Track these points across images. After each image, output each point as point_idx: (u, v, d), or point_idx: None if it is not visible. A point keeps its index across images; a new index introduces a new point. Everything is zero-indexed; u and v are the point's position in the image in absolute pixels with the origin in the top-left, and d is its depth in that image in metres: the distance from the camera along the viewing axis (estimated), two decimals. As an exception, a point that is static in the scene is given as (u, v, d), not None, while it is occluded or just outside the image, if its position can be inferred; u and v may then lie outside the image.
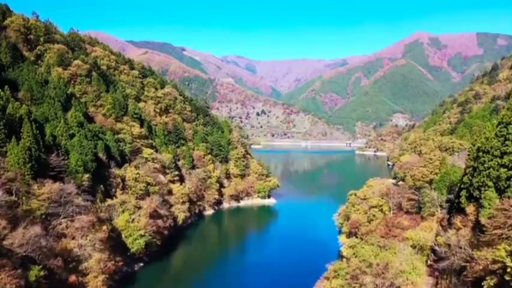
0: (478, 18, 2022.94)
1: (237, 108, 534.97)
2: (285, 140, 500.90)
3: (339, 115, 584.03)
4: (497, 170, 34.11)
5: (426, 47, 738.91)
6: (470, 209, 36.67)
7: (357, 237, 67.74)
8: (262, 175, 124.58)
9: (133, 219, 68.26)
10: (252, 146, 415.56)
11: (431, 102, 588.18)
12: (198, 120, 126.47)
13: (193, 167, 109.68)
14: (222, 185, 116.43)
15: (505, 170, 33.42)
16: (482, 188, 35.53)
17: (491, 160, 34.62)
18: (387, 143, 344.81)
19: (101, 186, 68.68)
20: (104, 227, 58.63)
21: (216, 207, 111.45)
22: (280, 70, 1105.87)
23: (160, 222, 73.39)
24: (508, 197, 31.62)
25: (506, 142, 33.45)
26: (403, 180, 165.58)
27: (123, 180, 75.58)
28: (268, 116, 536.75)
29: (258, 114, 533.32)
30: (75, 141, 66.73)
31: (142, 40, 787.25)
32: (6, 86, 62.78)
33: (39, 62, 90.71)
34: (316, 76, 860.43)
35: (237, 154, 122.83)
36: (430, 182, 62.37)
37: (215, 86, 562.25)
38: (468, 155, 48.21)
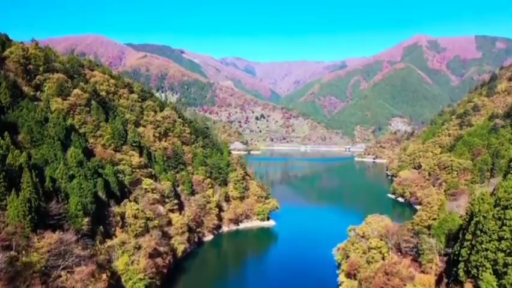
0: (476, 21, 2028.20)
1: (236, 112, 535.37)
2: (284, 145, 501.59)
3: (338, 119, 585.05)
4: (495, 253, 34.40)
5: (425, 50, 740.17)
6: (468, 286, 37.00)
7: (356, 279, 68.28)
8: (262, 197, 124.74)
9: (133, 261, 68.41)
10: (251, 152, 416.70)
11: (430, 106, 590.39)
12: (197, 142, 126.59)
13: (193, 193, 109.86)
14: (221, 209, 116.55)
15: (503, 254, 33.74)
16: (480, 268, 35.84)
17: (489, 242, 34.92)
18: (386, 150, 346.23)
19: (101, 227, 68.78)
20: (104, 275, 58.81)
21: (216, 232, 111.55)
22: (280, 72, 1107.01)
23: (159, 260, 73.56)
24: (505, 286, 31.89)
25: (504, 227, 33.75)
26: (402, 196, 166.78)
27: (122, 217, 75.70)
28: (267, 121, 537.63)
29: (257, 118, 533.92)
30: (74, 184, 66.85)
31: (140, 43, 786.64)
32: (6, 133, 62.79)
33: (39, 93, 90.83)
34: (316, 78, 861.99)
35: (236, 176, 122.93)
36: (429, 227, 62.77)
37: (214, 90, 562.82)
38: (466, 213, 48.46)
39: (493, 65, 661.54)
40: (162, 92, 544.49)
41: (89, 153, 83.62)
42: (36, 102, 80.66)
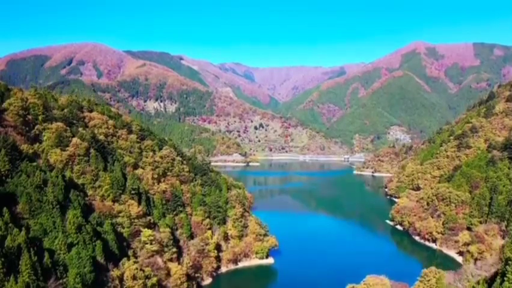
0: (475, 28, 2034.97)
1: (235, 121, 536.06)
2: (283, 155, 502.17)
3: (337, 127, 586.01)
4: None
5: (424, 57, 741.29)
6: None
7: None
8: (260, 235, 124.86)
9: (132, 330, 68.63)
10: (250, 164, 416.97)
11: (428, 114, 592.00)
12: (195, 180, 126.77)
13: (191, 236, 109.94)
14: (219, 249, 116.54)
15: None
16: None
17: None
18: (385, 164, 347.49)
19: (100, 295, 68.95)
20: None
21: (214, 274, 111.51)
22: (278, 77, 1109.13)
23: (158, 325, 73.83)
24: None
25: None
26: (401, 224, 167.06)
27: (121, 280, 75.78)
28: (266, 130, 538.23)
29: (255, 128, 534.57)
30: (73, 254, 66.98)
31: (139, 50, 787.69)
32: (5, 208, 62.92)
33: (38, 145, 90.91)
34: (314, 84, 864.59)
35: (235, 214, 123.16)
36: (427, 300, 63.16)
37: (213, 99, 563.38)
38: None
39: (490, 73, 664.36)
40: (161, 101, 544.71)
41: (88, 209, 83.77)
42: (35, 163, 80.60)
